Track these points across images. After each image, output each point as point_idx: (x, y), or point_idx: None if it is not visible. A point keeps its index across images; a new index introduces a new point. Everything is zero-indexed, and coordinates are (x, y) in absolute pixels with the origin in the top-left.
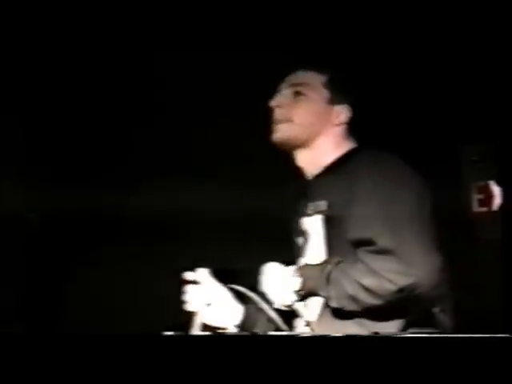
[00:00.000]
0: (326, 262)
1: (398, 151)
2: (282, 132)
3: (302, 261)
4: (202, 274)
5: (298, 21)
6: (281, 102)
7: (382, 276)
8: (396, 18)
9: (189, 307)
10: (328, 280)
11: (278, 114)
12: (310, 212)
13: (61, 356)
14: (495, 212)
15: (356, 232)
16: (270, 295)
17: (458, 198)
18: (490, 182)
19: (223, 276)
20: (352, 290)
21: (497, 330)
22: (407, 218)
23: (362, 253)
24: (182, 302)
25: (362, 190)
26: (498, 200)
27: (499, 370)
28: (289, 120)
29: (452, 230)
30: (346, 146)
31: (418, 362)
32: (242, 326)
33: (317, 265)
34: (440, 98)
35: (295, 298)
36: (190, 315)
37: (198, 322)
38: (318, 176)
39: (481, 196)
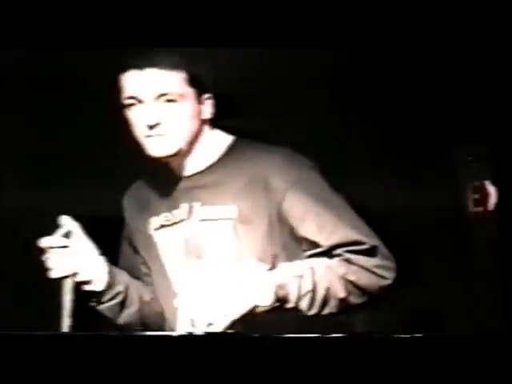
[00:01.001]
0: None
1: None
2: (161, 148)
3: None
4: (72, 228)
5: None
6: (156, 119)
7: (375, 273)
8: None
9: (58, 273)
10: (315, 285)
11: (153, 131)
12: (209, 218)
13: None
14: (491, 211)
15: (337, 235)
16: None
17: (453, 198)
18: (486, 182)
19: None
20: (344, 292)
21: (495, 330)
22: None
23: (347, 253)
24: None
25: (302, 193)
26: (493, 199)
27: (496, 369)
28: (166, 134)
29: (448, 229)
30: (217, 138)
31: (414, 361)
32: (108, 285)
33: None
34: (435, 97)
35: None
36: (58, 282)
37: (68, 288)
38: (197, 175)
39: (476, 196)
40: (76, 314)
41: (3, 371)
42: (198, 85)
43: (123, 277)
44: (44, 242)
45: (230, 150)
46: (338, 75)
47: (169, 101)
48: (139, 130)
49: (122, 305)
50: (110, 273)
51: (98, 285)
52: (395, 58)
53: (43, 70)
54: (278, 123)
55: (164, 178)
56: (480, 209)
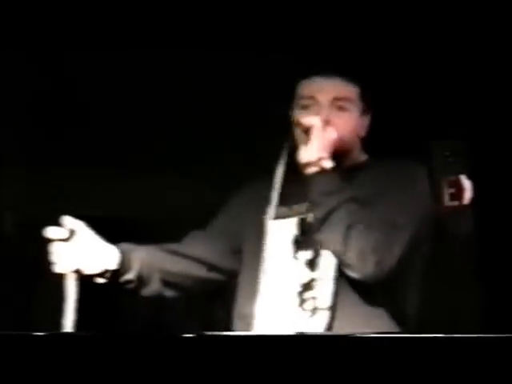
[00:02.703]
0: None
1: None
2: (319, 151)
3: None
4: (75, 226)
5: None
6: (324, 118)
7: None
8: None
9: (63, 268)
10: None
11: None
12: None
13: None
14: (466, 206)
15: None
16: None
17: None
18: (461, 176)
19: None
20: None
21: (470, 327)
22: None
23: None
24: (50, 264)
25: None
26: (469, 194)
27: (470, 370)
28: (330, 139)
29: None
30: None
31: (396, 362)
32: (119, 269)
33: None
34: (411, 92)
35: None
36: (62, 276)
37: (73, 283)
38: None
39: (452, 190)
40: (81, 311)
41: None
42: (366, 101)
43: (138, 261)
44: (49, 232)
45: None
46: None
47: (340, 107)
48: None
49: (136, 287)
50: (122, 262)
51: (106, 277)
52: (378, 53)
53: None
54: None
55: (291, 175)
56: (455, 203)
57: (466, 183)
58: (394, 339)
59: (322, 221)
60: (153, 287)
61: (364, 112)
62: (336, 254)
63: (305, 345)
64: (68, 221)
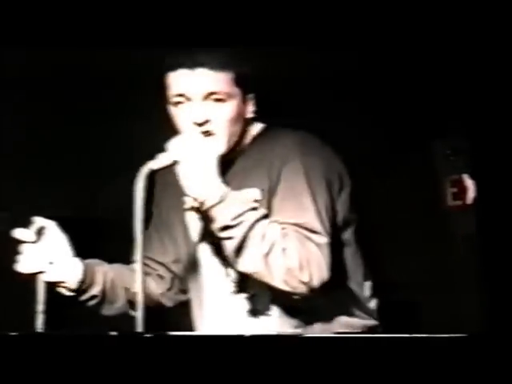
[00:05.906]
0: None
1: None
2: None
3: None
4: (46, 226)
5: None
6: (204, 116)
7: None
8: None
9: (27, 268)
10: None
11: (201, 128)
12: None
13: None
14: (469, 205)
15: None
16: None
17: (432, 191)
18: (464, 176)
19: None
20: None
21: (473, 327)
22: None
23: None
24: (16, 263)
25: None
26: (471, 193)
27: (476, 369)
28: (212, 134)
29: (426, 224)
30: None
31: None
32: (82, 282)
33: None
34: (413, 91)
35: None
36: (28, 277)
37: (41, 284)
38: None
39: (455, 189)
40: (52, 311)
41: None
42: (244, 85)
43: (101, 276)
44: (16, 233)
45: (258, 137)
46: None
47: (217, 100)
48: (186, 128)
49: (101, 303)
50: (85, 275)
51: (68, 288)
52: (376, 52)
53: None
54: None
55: None
56: (458, 202)
57: (469, 182)
58: (394, 339)
59: (238, 251)
60: (118, 305)
61: (245, 94)
62: (265, 281)
63: (300, 344)
64: (38, 222)
